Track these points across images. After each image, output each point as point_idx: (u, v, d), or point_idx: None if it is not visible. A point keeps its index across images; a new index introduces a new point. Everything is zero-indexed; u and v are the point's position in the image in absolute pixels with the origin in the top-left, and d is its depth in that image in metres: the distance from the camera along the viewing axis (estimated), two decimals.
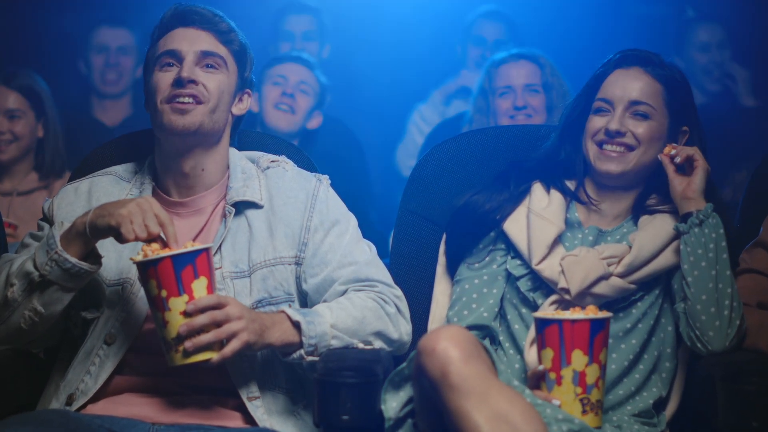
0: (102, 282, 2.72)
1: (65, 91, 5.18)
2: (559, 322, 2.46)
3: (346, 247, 2.77)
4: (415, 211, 3.06)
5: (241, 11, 5.70)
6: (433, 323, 2.94)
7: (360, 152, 5.12)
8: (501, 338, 2.85)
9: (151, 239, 2.54)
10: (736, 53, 5.42)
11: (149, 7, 2.88)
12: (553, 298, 2.81)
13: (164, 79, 2.73)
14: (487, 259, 2.89)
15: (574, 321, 2.46)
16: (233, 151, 2.84)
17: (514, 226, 2.86)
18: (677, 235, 2.79)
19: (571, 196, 2.89)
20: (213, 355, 2.50)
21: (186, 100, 2.70)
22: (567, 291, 2.78)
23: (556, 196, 2.88)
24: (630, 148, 2.82)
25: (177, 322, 2.48)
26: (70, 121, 4.75)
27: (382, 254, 2.87)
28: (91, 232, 2.58)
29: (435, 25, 5.85)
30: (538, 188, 2.90)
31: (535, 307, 2.82)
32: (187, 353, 2.49)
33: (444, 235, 2.98)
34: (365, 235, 2.86)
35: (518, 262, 2.86)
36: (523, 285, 2.84)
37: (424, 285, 3.02)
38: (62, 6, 5.68)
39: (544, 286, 2.83)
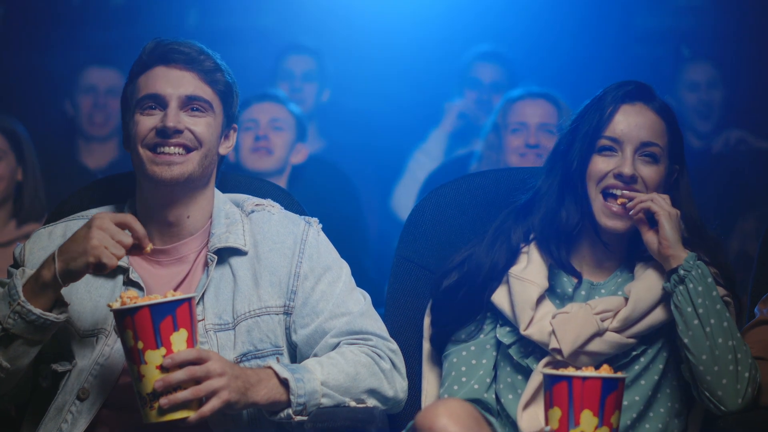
0: (75, 332, 2.63)
1: (48, 134, 5.15)
2: (569, 379, 2.37)
3: (339, 296, 2.68)
4: (411, 258, 2.97)
5: (241, 50, 5.72)
6: (426, 400, 2.83)
7: (354, 196, 5.13)
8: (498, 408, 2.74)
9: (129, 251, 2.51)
10: (729, 94, 5.43)
11: (139, 47, 2.75)
12: (547, 359, 2.69)
13: (146, 123, 2.64)
14: (473, 329, 2.77)
15: (584, 378, 2.36)
16: (217, 193, 2.76)
17: (499, 293, 2.74)
18: None
19: (561, 266, 2.73)
20: (190, 414, 2.42)
21: (172, 150, 2.62)
22: (559, 351, 2.66)
23: (536, 257, 2.73)
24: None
25: (153, 377, 2.40)
26: (51, 164, 4.75)
27: (376, 304, 2.79)
28: (64, 278, 2.50)
29: (432, 67, 5.91)
30: (524, 252, 2.75)
31: (529, 374, 2.70)
32: (163, 410, 2.40)
33: (428, 310, 2.85)
34: (359, 284, 2.78)
35: (507, 329, 2.74)
36: (515, 352, 2.72)
37: (421, 338, 2.90)
38: (47, 46, 5.69)
39: (537, 349, 2.70)
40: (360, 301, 2.71)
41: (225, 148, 2.73)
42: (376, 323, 2.69)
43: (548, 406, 2.38)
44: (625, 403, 2.64)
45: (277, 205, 2.77)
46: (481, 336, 2.75)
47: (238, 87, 2.74)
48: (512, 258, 2.74)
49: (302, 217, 2.76)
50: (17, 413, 2.75)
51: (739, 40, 5.67)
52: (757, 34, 5.63)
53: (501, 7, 5.77)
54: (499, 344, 2.74)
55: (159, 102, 2.63)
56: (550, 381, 2.38)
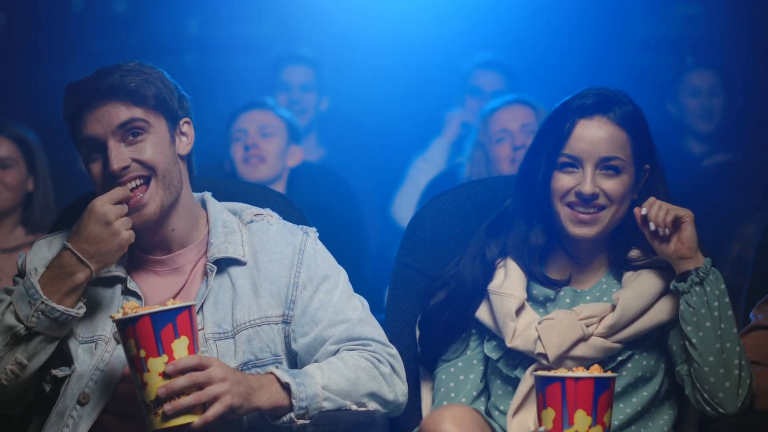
0: (75, 338, 2.65)
1: (53, 142, 5.12)
2: (562, 380, 2.39)
3: (337, 304, 2.69)
4: (411, 265, 2.97)
5: (240, 60, 5.70)
6: (425, 405, 2.84)
7: (354, 203, 5.10)
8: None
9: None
10: (730, 102, 5.44)
11: (140, 55, 2.73)
12: (534, 366, 2.69)
13: (96, 170, 2.60)
14: (460, 346, 2.79)
15: (577, 379, 2.38)
16: (213, 203, 2.75)
17: (482, 309, 2.76)
18: (665, 291, 2.67)
19: (539, 282, 2.75)
20: (194, 419, 2.42)
21: (132, 185, 2.59)
22: (544, 356, 2.67)
23: (513, 267, 2.75)
24: (601, 208, 2.68)
25: (156, 384, 2.40)
26: (57, 172, 4.68)
27: (377, 310, 2.79)
28: (99, 270, 2.56)
29: (433, 75, 5.89)
30: (501, 266, 2.77)
31: (518, 385, 2.72)
32: (167, 416, 2.40)
33: (417, 330, 2.86)
34: (359, 291, 2.78)
35: (494, 343, 2.75)
36: (503, 366, 2.74)
37: None
38: (49, 54, 5.67)
39: (524, 360, 2.72)
40: (358, 307, 2.71)
41: (183, 147, 2.67)
42: (374, 329, 2.70)
43: (541, 407, 2.40)
44: (628, 410, 2.68)
45: (276, 215, 2.77)
46: (468, 352, 2.77)
47: (174, 85, 2.65)
48: (490, 274, 2.75)
49: (300, 226, 2.75)
50: (22, 418, 2.74)
51: (739, 48, 5.68)
52: (757, 42, 5.64)
53: (502, 15, 5.76)
54: (487, 359, 2.76)
55: (97, 144, 2.58)
56: (542, 382, 2.40)
